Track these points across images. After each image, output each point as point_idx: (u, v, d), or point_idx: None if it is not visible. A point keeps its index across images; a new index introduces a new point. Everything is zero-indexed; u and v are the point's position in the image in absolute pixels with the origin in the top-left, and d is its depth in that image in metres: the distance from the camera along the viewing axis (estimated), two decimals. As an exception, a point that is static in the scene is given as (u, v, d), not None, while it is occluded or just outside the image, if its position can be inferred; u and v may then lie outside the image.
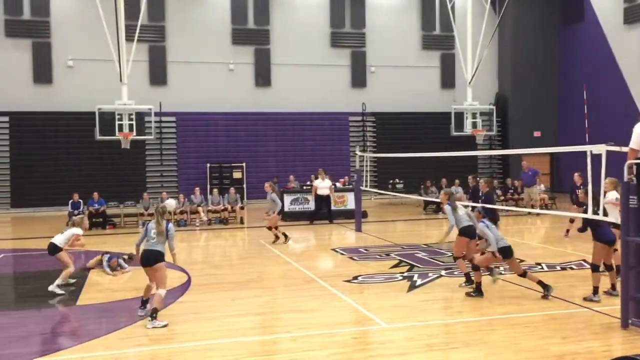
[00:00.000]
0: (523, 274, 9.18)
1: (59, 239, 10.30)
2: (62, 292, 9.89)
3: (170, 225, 8.29)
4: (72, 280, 10.53)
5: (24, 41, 24.32)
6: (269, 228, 14.95)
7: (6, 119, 24.09)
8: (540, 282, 9.03)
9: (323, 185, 18.92)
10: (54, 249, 10.27)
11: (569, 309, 8.39)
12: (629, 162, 7.42)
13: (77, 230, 10.43)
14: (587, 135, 24.30)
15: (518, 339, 7.10)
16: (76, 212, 18.59)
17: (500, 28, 26.86)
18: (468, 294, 9.21)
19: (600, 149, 8.18)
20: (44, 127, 24.21)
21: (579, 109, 26.22)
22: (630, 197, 7.29)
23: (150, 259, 8.07)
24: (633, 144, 7.56)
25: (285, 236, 14.95)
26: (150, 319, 7.80)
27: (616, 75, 25.43)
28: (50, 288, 9.87)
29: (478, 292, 9.14)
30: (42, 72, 24.51)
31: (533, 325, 7.62)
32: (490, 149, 27.33)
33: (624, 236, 7.38)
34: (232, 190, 20.10)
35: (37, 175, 23.84)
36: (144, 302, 8.37)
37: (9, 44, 24.23)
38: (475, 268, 9.24)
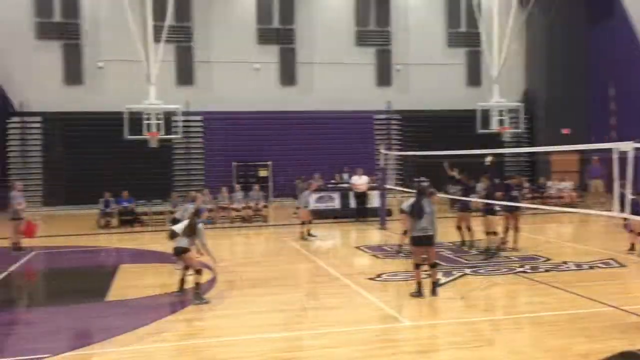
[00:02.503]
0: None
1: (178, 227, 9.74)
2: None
3: (200, 225, 9.25)
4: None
5: (55, 43, 24.86)
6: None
7: (38, 119, 24.68)
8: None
9: (361, 182, 19.01)
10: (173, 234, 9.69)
11: (594, 307, 8.30)
12: None
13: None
14: (615, 132, 23.90)
15: (543, 338, 7.06)
16: (107, 210, 18.97)
17: (528, 24, 26.52)
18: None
19: (628, 146, 8.08)
20: (75, 127, 24.70)
21: (607, 106, 25.77)
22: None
23: (179, 252, 9.29)
24: None
25: (309, 234, 15.22)
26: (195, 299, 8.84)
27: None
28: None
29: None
30: (73, 73, 25.03)
31: (558, 324, 7.57)
32: (518, 146, 27.01)
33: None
34: (256, 187, 20.27)
35: (68, 174, 24.34)
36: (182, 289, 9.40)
37: (40, 46, 24.79)
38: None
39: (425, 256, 9.13)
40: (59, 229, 18.80)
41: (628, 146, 8.11)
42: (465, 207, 13.30)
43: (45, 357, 6.65)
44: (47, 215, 23.14)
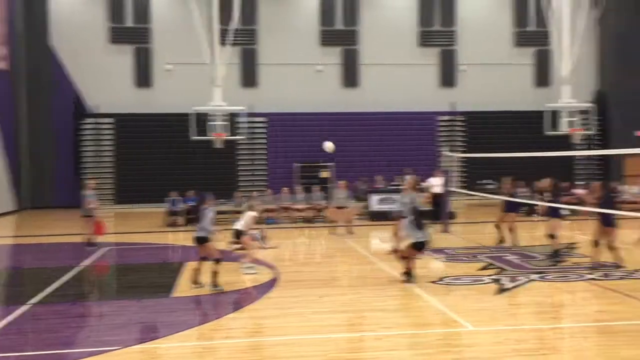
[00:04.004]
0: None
1: (239, 224, 11.27)
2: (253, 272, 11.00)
3: (208, 210, 10.00)
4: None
5: (127, 47, 25.85)
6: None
7: (111, 120, 25.72)
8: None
9: (438, 183, 18.55)
10: (237, 234, 11.30)
11: (671, 318, 7.91)
12: None
13: (253, 214, 11.45)
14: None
15: (612, 348, 6.78)
16: (175, 209, 19.51)
17: (601, 22, 25.53)
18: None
19: None
20: (144, 128, 25.60)
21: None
22: None
23: (200, 241, 9.97)
24: None
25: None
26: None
27: None
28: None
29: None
30: (143, 76, 25.94)
31: (629, 334, 7.24)
32: (589, 149, 26.03)
33: None
34: (316, 188, 20.41)
35: (138, 173, 25.25)
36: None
37: (113, 50, 25.83)
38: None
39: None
40: (129, 227, 19.50)
41: None
42: (512, 208, 13.85)
43: (114, 349, 6.92)
44: (118, 213, 24.05)
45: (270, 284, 10.33)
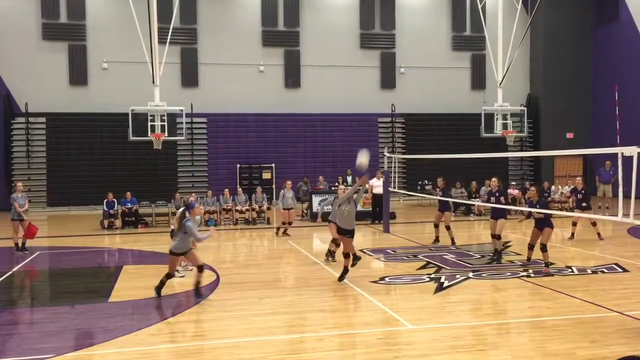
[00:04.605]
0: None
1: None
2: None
3: (187, 223, 9.33)
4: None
5: (61, 44, 24.94)
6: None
7: (43, 119, 24.75)
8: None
9: (378, 184, 18.73)
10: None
11: (598, 312, 8.29)
12: None
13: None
14: (618, 136, 23.85)
15: (545, 343, 7.05)
16: (111, 211, 19.00)
17: (532, 28, 26.53)
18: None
19: (632, 150, 8.07)
20: (79, 128, 24.80)
21: (612, 110, 25.74)
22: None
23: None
24: None
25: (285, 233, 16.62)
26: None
27: (651, 76, 24.91)
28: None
29: None
30: (78, 74, 25.11)
31: (561, 329, 7.55)
32: (522, 150, 26.99)
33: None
34: (259, 189, 20.32)
35: (72, 174, 24.44)
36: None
37: (46, 47, 24.88)
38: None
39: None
40: (63, 230, 18.85)
41: (632, 150, 8.10)
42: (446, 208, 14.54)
43: (48, 357, 6.66)
44: (51, 216, 23.21)
45: (211, 287, 10.20)
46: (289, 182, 17.35)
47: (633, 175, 8.08)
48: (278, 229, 16.94)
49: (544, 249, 11.02)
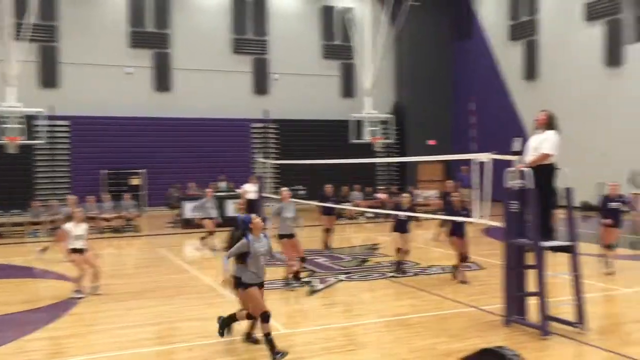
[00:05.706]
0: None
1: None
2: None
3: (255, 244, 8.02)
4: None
5: None
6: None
7: None
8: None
9: (253, 189, 18.43)
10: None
11: (457, 308, 8.87)
12: (520, 167, 7.87)
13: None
14: (475, 144, 25.74)
15: (411, 339, 7.42)
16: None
17: (398, 40, 27.90)
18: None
19: (486, 156, 8.73)
20: None
21: (468, 120, 27.74)
22: (511, 202, 7.85)
23: None
24: (548, 149, 7.78)
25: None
26: None
27: (501, 88, 27.20)
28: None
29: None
30: None
31: (425, 325, 7.99)
32: (388, 156, 28.23)
33: (505, 239, 7.92)
34: (126, 196, 19.49)
35: None
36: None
37: None
38: None
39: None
40: None
41: (486, 157, 8.76)
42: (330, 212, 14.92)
43: None
44: None
45: (73, 301, 9.62)
46: (209, 191, 16.45)
47: (488, 178, 8.73)
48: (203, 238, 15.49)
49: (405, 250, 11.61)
